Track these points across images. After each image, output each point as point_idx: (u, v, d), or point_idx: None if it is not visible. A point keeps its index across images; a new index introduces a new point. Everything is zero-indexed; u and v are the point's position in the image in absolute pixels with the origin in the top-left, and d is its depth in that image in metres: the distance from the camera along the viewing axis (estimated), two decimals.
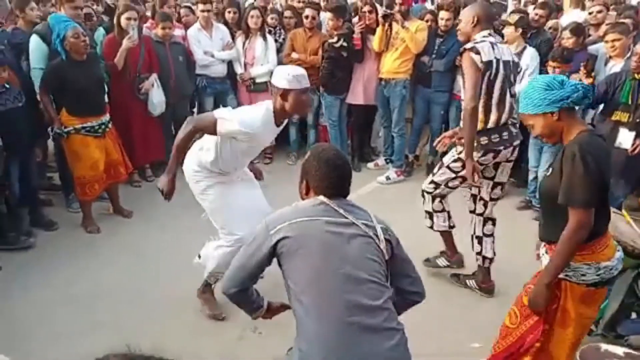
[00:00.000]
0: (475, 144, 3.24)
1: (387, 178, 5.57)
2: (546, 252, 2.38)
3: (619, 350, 2.17)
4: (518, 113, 3.05)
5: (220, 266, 3.16)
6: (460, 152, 3.38)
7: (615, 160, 3.84)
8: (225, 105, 4.84)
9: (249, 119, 2.83)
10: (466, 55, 3.20)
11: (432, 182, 3.60)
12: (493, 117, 3.27)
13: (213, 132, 2.87)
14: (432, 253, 3.95)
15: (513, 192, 5.27)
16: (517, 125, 3.38)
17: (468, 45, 3.25)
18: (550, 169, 2.32)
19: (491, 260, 3.61)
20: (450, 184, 3.54)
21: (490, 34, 3.31)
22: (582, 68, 4.17)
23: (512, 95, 3.34)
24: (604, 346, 2.24)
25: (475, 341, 3.15)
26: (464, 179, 3.41)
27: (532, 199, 4.91)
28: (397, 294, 2.06)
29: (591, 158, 2.11)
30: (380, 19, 5.26)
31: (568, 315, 2.32)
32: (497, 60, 3.21)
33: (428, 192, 3.62)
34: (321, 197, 2.02)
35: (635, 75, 4.01)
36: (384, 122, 5.77)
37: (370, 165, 5.98)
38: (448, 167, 3.50)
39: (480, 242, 3.60)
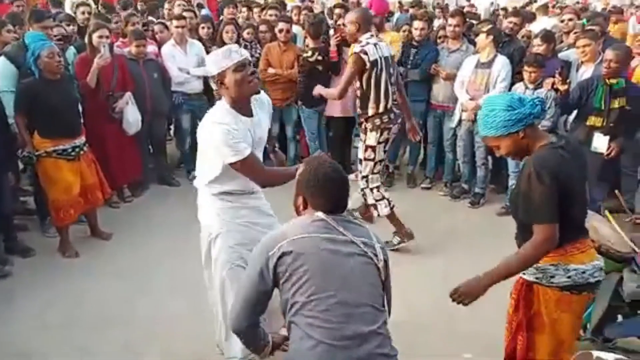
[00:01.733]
0: (372, 126, 4.14)
1: None
2: None
3: (610, 356, 2.17)
4: (395, 100, 4.23)
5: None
6: (365, 141, 4.21)
7: (592, 164, 3.92)
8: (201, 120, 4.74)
9: (218, 120, 2.50)
10: (356, 56, 3.93)
11: (362, 177, 4.29)
12: (382, 104, 4.09)
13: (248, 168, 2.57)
14: (413, 258, 4.26)
15: (494, 199, 5.32)
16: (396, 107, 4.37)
17: (357, 49, 3.95)
18: (515, 184, 2.30)
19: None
20: (375, 170, 4.25)
21: (372, 35, 4.05)
22: (557, 75, 4.24)
23: (392, 84, 4.17)
24: (595, 353, 2.23)
25: (467, 352, 3.16)
26: (376, 161, 4.22)
27: None
28: None
29: (546, 172, 2.10)
30: None
31: (541, 320, 2.31)
32: (380, 58, 3.96)
33: (365, 188, 4.28)
34: (319, 214, 1.96)
35: (607, 81, 4.10)
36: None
37: (352, 176, 5.93)
38: (365, 158, 4.22)
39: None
